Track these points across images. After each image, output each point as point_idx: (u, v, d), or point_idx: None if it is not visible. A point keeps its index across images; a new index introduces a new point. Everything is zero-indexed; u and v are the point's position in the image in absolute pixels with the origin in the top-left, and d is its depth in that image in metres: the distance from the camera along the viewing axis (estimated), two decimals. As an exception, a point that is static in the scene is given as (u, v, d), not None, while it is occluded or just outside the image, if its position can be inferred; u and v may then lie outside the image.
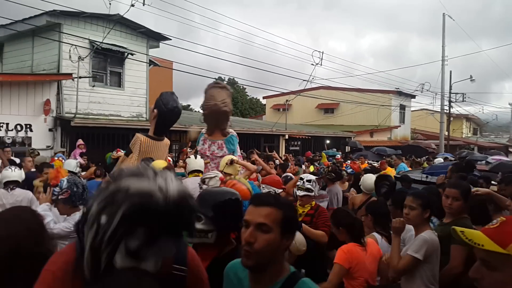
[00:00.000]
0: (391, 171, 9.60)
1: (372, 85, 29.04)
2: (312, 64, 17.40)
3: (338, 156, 15.39)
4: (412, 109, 32.89)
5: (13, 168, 4.89)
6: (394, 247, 2.93)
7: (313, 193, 4.25)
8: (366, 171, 8.06)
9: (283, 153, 18.15)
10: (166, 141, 5.85)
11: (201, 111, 5.95)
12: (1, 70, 13.92)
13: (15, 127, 11.04)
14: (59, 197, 3.33)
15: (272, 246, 1.44)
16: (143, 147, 5.53)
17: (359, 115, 27.43)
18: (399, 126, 30.00)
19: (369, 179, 5.65)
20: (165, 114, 5.61)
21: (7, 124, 10.87)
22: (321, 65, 17.40)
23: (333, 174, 6.67)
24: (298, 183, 4.35)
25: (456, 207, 3.18)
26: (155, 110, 5.76)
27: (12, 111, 11.01)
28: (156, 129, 5.67)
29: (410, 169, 10.88)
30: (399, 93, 29.07)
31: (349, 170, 8.98)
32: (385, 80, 28.47)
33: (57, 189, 3.40)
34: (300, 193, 4.23)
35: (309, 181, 4.27)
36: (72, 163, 6.50)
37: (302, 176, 4.58)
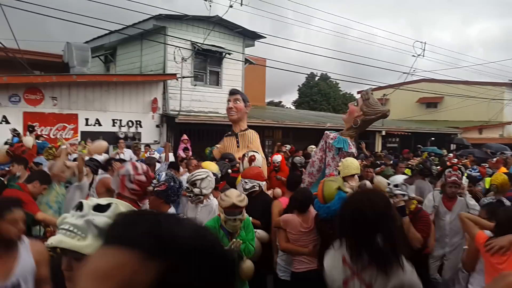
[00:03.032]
0: (504, 171, 8.69)
1: (482, 77, 26.48)
2: (413, 56, 16.44)
3: (451, 155, 13.48)
4: (529, 102, 29.32)
5: None
6: None
7: (406, 197, 3.77)
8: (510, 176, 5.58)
9: (380, 150, 17.40)
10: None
11: (361, 115, 6.07)
12: (114, 71, 15.42)
13: (127, 123, 12.15)
14: (156, 189, 3.20)
15: None
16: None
17: (466, 109, 25.10)
18: (513, 121, 26.95)
19: None
20: None
21: (120, 120, 12.01)
22: (423, 56, 16.40)
23: (421, 165, 6.23)
24: (387, 189, 3.86)
25: None
26: (250, 104, 6.88)
27: (125, 108, 12.13)
28: None
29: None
30: (514, 85, 26.13)
31: (476, 174, 7.01)
32: (496, 72, 25.81)
33: (154, 181, 3.28)
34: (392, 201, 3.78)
35: (396, 186, 3.79)
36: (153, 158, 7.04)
37: (389, 181, 4.03)
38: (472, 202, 4.54)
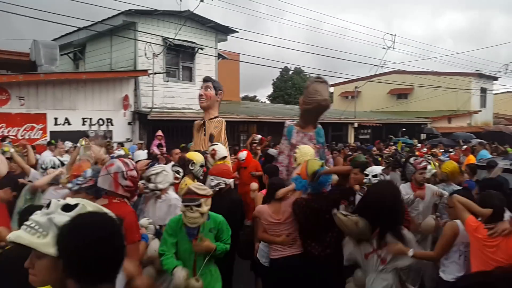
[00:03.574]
0: (472, 159, 9.01)
1: (450, 68, 27.24)
2: (383, 48, 16.73)
3: (419, 145, 13.82)
4: (495, 92, 30.33)
5: None
6: None
7: None
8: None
9: (352, 141, 17.70)
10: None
11: (302, 105, 5.85)
12: (84, 68, 15.07)
13: (98, 121, 11.90)
14: (83, 185, 3.15)
15: None
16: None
17: (435, 100, 25.77)
18: (480, 111, 27.79)
19: None
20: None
21: (90, 119, 11.76)
22: (393, 48, 16.70)
23: (391, 158, 6.38)
24: (364, 180, 4.10)
25: None
26: (221, 92, 6.91)
27: (95, 106, 11.88)
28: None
29: (492, 156, 10.10)
30: (480, 75, 26.95)
31: (445, 159, 7.54)
32: (465, 62, 26.56)
33: (80, 178, 3.22)
34: None
35: (375, 176, 4.04)
36: (141, 154, 6.90)
37: (366, 171, 4.19)
38: (441, 189, 4.66)
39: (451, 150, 12.29)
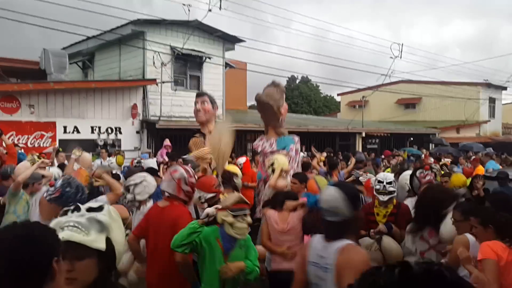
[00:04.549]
0: (481, 170, 8.89)
1: (459, 78, 27.09)
2: (391, 58, 16.72)
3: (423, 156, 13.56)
4: (504, 102, 30.08)
5: None
6: None
7: (396, 194, 4.12)
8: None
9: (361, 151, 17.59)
10: None
11: None
12: (93, 77, 15.20)
13: (106, 130, 11.97)
14: (52, 196, 3.09)
15: None
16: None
17: (443, 109, 25.63)
18: (489, 121, 27.56)
19: None
20: None
21: (99, 127, 11.83)
22: (400, 58, 16.69)
23: (398, 167, 6.39)
24: (378, 187, 4.09)
25: None
26: (217, 106, 7.20)
27: (104, 115, 11.96)
28: None
29: (501, 167, 9.97)
30: (489, 85, 26.74)
31: (458, 171, 7.48)
32: (473, 72, 26.32)
33: (51, 188, 3.18)
34: (383, 198, 4.04)
35: (389, 183, 4.06)
36: (151, 163, 6.92)
37: (379, 178, 4.24)
38: None
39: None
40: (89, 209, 1.60)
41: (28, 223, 1.42)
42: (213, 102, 7.13)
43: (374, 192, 4.14)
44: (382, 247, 3.73)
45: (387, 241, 3.74)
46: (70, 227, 1.51)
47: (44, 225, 1.37)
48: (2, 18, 8.83)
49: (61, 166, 6.72)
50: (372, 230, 3.81)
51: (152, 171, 5.99)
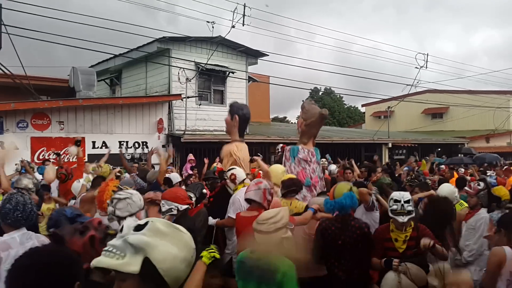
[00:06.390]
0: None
1: (486, 86, 26.43)
2: (416, 68, 16.49)
3: (442, 167, 12.98)
4: (536, 109, 29.07)
5: None
6: None
7: (414, 214, 3.71)
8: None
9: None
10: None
11: (303, 123, 6.77)
12: (120, 93, 15.59)
13: (133, 144, 12.22)
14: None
15: None
16: (238, 152, 6.96)
17: (472, 119, 24.99)
18: (520, 129, 26.70)
19: None
20: (244, 117, 7.50)
21: (127, 142, 12.09)
22: (426, 67, 16.46)
23: (415, 181, 6.21)
24: (395, 206, 3.70)
25: None
26: (236, 116, 7.32)
27: (131, 130, 12.23)
28: (240, 131, 7.25)
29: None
30: (519, 93, 25.98)
31: (492, 180, 7.30)
32: (501, 80, 25.69)
33: None
34: (403, 219, 3.62)
35: (407, 201, 3.68)
36: (175, 177, 6.97)
37: (395, 197, 3.78)
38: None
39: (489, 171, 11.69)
40: (136, 228, 1.56)
41: (52, 249, 1.60)
42: (232, 113, 7.29)
43: (390, 214, 3.74)
44: (413, 275, 3.43)
45: (414, 270, 3.46)
46: (105, 251, 1.52)
47: (67, 251, 1.58)
48: (32, 39, 9.21)
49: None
50: (395, 260, 3.49)
51: (168, 181, 6.06)
